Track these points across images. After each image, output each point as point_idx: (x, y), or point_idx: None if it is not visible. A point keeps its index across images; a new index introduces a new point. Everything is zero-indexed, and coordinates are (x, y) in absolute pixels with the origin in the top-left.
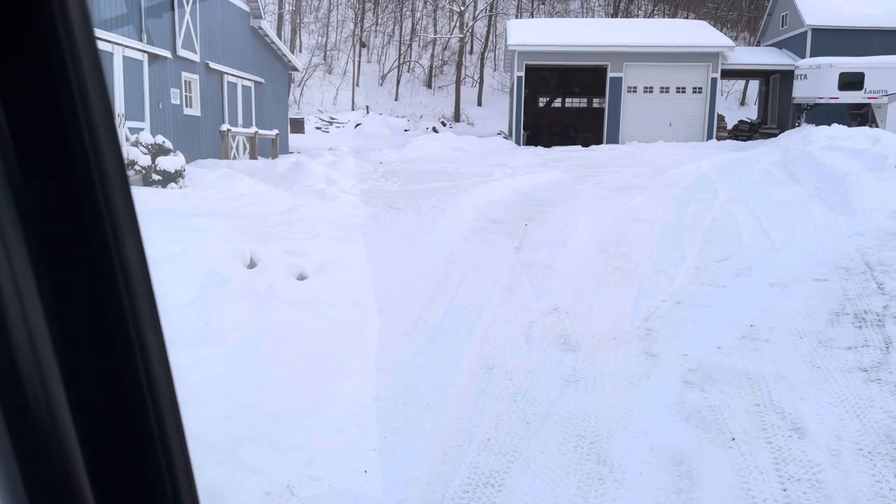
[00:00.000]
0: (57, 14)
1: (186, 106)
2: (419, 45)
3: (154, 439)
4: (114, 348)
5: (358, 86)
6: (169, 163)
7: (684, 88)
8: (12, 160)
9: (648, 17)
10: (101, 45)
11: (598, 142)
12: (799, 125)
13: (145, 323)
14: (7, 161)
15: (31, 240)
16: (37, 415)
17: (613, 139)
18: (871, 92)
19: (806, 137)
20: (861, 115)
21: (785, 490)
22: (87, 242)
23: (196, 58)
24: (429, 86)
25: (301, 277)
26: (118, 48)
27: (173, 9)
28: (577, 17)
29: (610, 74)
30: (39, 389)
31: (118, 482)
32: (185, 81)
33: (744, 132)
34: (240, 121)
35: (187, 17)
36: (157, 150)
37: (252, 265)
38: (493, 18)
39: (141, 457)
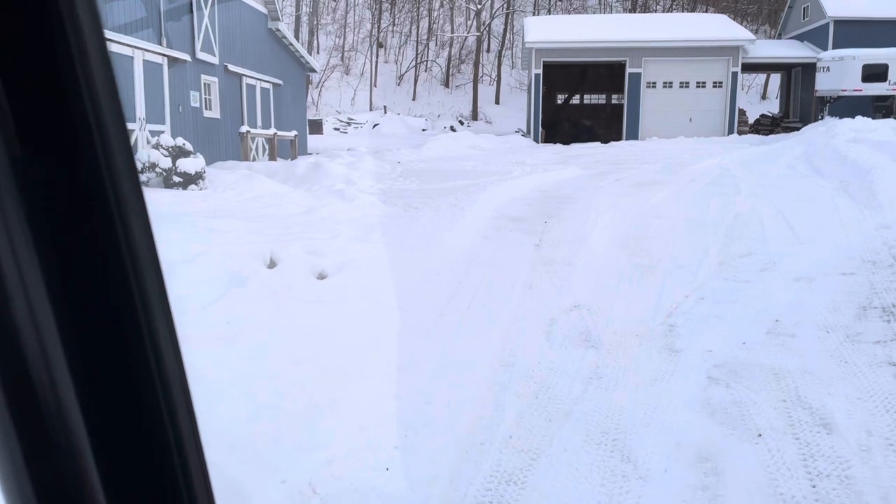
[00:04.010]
0: None
1: (206, 108)
2: (436, 45)
3: (168, 439)
4: (123, 336)
5: (375, 86)
6: (189, 165)
7: (704, 83)
8: (14, 142)
9: (667, 12)
10: (121, 49)
11: (618, 138)
12: (822, 118)
13: (155, 311)
14: (9, 143)
15: (35, 226)
16: (45, 414)
17: (633, 135)
18: (895, 84)
19: (829, 130)
20: (886, 107)
21: (814, 486)
22: (94, 227)
23: (215, 60)
24: (446, 85)
25: (321, 277)
26: (138, 52)
27: (192, 12)
28: (594, 13)
29: (629, 70)
30: (48, 385)
31: (132, 485)
32: (205, 84)
33: (765, 126)
34: (259, 122)
35: (206, 20)
36: (177, 153)
37: (272, 265)
38: (509, 16)
39: (155, 458)
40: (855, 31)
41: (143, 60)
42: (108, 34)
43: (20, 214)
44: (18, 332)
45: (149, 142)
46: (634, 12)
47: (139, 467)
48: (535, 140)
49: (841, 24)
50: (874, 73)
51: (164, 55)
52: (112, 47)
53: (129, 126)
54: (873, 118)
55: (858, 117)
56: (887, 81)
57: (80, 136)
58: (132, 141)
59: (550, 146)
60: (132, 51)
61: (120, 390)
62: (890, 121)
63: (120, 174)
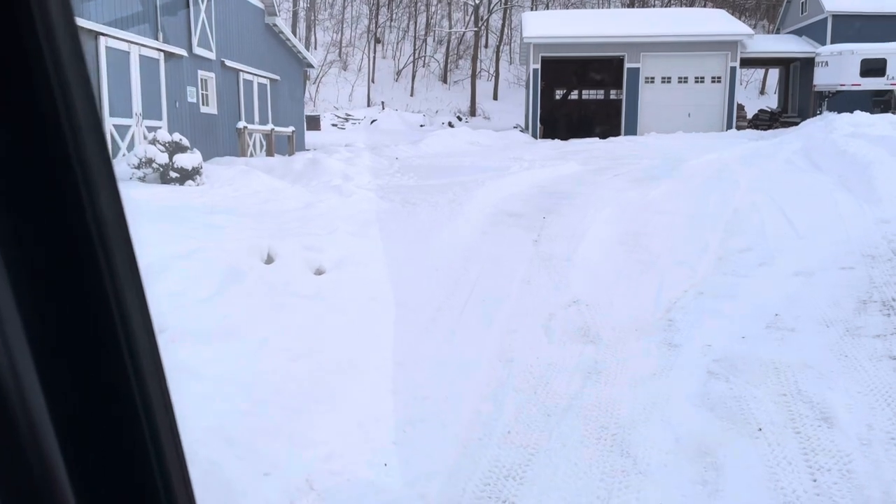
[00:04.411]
0: None
1: (203, 104)
2: (434, 40)
3: (143, 435)
4: (93, 326)
5: (373, 82)
6: (186, 160)
7: (703, 78)
8: None
9: (665, 7)
10: (117, 45)
11: (616, 134)
12: (820, 113)
13: (128, 298)
14: None
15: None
16: (9, 412)
17: (631, 131)
18: (893, 78)
19: (828, 125)
20: (884, 102)
21: (815, 481)
22: (63, 214)
23: (212, 56)
24: (444, 81)
25: (318, 272)
26: (134, 47)
27: (188, 7)
28: (592, 7)
29: (627, 65)
30: (11, 384)
31: (105, 485)
32: (202, 79)
33: (764, 121)
34: (256, 118)
35: (202, 14)
36: (174, 148)
37: (270, 261)
38: (507, 11)
39: (129, 457)
40: (853, 26)
41: (140, 55)
42: (105, 29)
43: None
44: None
45: (145, 137)
46: (633, 7)
47: (112, 466)
48: (534, 136)
49: (839, 18)
50: (872, 67)
51: (160, 50)
52: (108, 42)
53: (126, 121)
54: (872, 113)
55: (857, 112)
56: (885, 76)
57: (49, 128)
58: (129, 136)
59: (549, 142)
60: (128, 46)
61: (90, 383)
62: (888, 115)
63: (91, 163)
